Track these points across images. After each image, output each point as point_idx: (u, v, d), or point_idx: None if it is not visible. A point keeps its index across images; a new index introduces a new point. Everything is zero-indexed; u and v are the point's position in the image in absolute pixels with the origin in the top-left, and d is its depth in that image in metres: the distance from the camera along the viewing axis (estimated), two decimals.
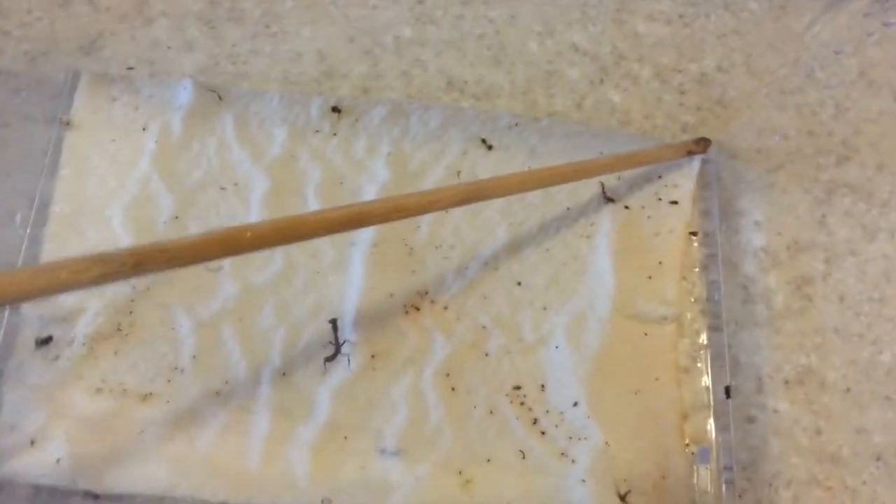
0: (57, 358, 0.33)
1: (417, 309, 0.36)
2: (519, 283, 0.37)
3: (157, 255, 0.18)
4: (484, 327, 0.36)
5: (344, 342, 0.34)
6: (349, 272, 0.36)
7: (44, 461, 0.31)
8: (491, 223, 0.38)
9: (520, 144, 0.40)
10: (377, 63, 0.41)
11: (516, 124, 0.40)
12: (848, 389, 0.36)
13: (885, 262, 0.39)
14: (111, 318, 0.33)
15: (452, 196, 0.28)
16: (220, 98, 0.38)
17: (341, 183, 0.37)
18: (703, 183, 0.40)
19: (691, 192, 0.39)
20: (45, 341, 0.33)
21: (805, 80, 0.43)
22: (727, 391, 0.36)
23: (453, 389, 0.34)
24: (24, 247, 0.34)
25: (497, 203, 0.38)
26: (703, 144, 0.40)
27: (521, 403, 0.34)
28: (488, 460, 0.33)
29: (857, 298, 0.38)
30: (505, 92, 0.41)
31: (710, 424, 0.35)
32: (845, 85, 0.43)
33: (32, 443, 0.31)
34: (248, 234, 0.21)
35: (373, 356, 0.34)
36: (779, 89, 0.42)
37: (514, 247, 0.37)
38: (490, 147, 0.39)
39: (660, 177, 0.40)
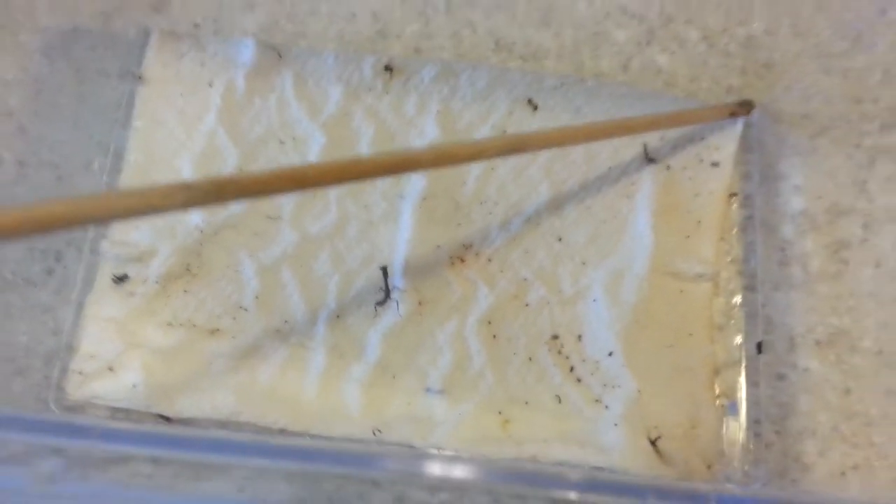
0: (132, 294, 0.35)
1: (462, 260, 0.37)
2: (560, 239, 0.38)
3: (233, 185, 0.21)
4: (525, 279, 0.37)
5: (393, 289, 0.36)
6: (399, 224, 0.38)
7: (121, 386, 0.34)
8: (534, 181, 0.39)
9: (565, 105, 0.40)
10: (428, 23, 0.42)
11: (562, 85, 0.41)
12: (880, 352, 0.37)
13: None
14: (181, 259, 0.36)
15: (499, 146, 0.30)
16: (279, 56, 0.40)
17: (393, 140, 0.39)
18: (745, 146, 0.40)
19: (733, 155, 0.40)
20: (121, 279, 0.36)
21: (852, 43, 0.43)
22: (759, 347, 0.37)
23: (495, 337, 0.36)
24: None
25: (540, 161, 0.39)
26: (746, 107, 0.41)
27: (559, 352, 0.36)
28: (526, 403, 0.35)
29: (893, 264, 0.38)
30: (552, 53, 0.42)
31: (742, 379, 0.36)
32: (895, 48, 0.43)
33: (110, 369, 0.34)
34: (312, 172, 0.23)
35: (420, 303, 0.36)
36: (825, 53, 0.42)
37: (556, 204, 0.39)
38: (535, 107, 0.40)
39: (702, 138, 0.40)
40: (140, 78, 0.39)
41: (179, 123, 0.38)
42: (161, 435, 0.30)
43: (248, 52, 0.40)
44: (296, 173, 0.23)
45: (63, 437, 0.28)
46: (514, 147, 0.30)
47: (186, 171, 0.37)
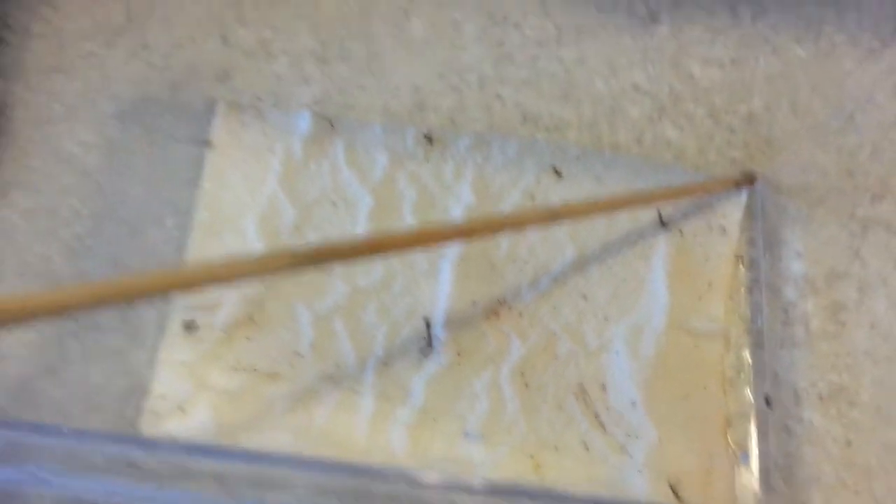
0: (200, 340, 0.39)
1: (497, 314, 0.41)
2: (584, 296, 0.42)
3: (329, 251, 0.25)
4: (554, 333, 0.41)
5: (435, 339, 0.40)
6: (439, 280, 0.41)
7: (191, 425, 0.37)
8: (560, 243, 0.43)
9: (586, 173, 0.45)
10: (463, 97, 0.46)
11: (583, 155, 0.45)
12: (878, 408, 0.40)
13: None
14: (245, 309, 0.39)
15: (537, 218, 0.34)
16: (332, 126, 0.44)
17: (433, 203, 0.43)
18: (750, 214, 0.44)
19: (739, 222, 0.44)
20: (190, 326, 0.39)
21: (845, 122, 0.47)
22: (767, 400, 0.40)
23: (527, 385, 0.40)
24: (175, 248, 0.40)
25: (565, 226, 0.43)
26: (750, 178, 0.45)
27: (585, 401, 0.40)
28: (556, 448, 0.38)
29: (887, 326, 0.41)
30: (573, 126, 0.46)
31: (752, 431, 0.40)
32: (883, 128, 0.47)
33: (181, 409, 0.37)
34: (389, 240, 0.27)
35: (458, 353, 0.40)
36: (820, 130, 0.47)
37: (580, 264, 0.43)
38: (560, 174, 0.45)
39: (711, 206, 0.44)
40: (208, 144, 0.43)
41: (244, 185, 0.42)
42: (230, 451, 0.33)
43: (304, 122, 0.44)
44: (376, 241, 0.27)
45: (140, 450, 0.31)
46: (550, 218, 0.35)
47: (250, 228, 0.41)
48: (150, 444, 0.33)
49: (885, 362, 0.41)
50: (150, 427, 0.37)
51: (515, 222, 0.36)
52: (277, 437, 0.37)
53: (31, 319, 0.20)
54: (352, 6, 0.48)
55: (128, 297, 0.21)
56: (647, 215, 0.44)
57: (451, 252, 0.42)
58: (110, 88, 0.44)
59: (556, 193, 0.44)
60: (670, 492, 0.38)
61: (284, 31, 0.46)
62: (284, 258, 0.24)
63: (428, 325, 0.40)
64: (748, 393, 0.40)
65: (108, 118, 0.44)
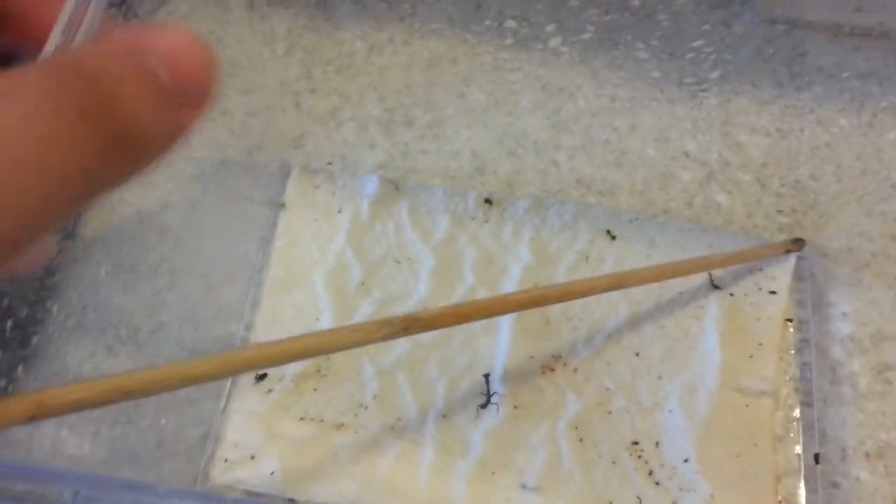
0: (270, 391, 0.41)
1: (552, 370, 0.43)
2: (637, 354, 0.43)
3: (418, 321, 0.27)
4: (608, 389, 0.42)
5: (494, 394, 0.41)
6: (497, 336, 0.43)
7: (261, 473, 0.39)
8: (614, 301, 0.45)
9: (640, 236, 0.47)
10: (520, 162, 0.49)
11: (636, 219, 0.47)
12: None
13: None
14: (313, 362, 0.42)
15: (604, 284, 0.36)
16: (397, 189, 0.47)
17: (492, 262, 0.45)
18: (798, 276, 0.46)
19: (788, 284, 0.45)
20: (261, 377, 0.41)
21: (889, 190, 0.49)
22: (816, 458, 0.41)
23: (581, 440, 0.41)
24: (248, 302, 0.43)
25: None
26: (798, 243, 0.46)
27: (639, 457, 0.41)
28: (611, 502, 0.39)
29: None
30: (625, 190, 0.48)
31: (801, 487, 0.40)
32: None
33: (252, 457, 0.39)
34: (471, 309, 0.29)
35: (515, 407, 0.41)
36: (865, 197, 0.48)
37: (634, 322, 0.44)
38: (614, 237, 0.47)
39: (760, 269, 0.46)
40: (282, 205, 0.46)
41: (314, 243, 0.45)
42: None
43: (371, 185, 0.47)
44: (460, 311, 0.29)
45: None
46: (612, 286, 0.37)
47: (319, 284, 0.44)
48: (218, 500, 0.35)
49: None
50: (220, 475, 0.39)
51: (582, 289, 0.38)
52: (343, 486, 0.39)
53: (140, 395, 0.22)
54: (416, 76, 0.51)
55: (230, 370, 0.23)
56: (698, 276, 0.45)
57: None
58: (191, 151, 0.48)
59: (610, 255, 0.46)
60: None
61: (353, 99, 0.50)
62: (380, 329, 0.26)
63: (487, 380, 0.42)
64: (797, 450, 0.41)
65: (187, 179, 0.47)
